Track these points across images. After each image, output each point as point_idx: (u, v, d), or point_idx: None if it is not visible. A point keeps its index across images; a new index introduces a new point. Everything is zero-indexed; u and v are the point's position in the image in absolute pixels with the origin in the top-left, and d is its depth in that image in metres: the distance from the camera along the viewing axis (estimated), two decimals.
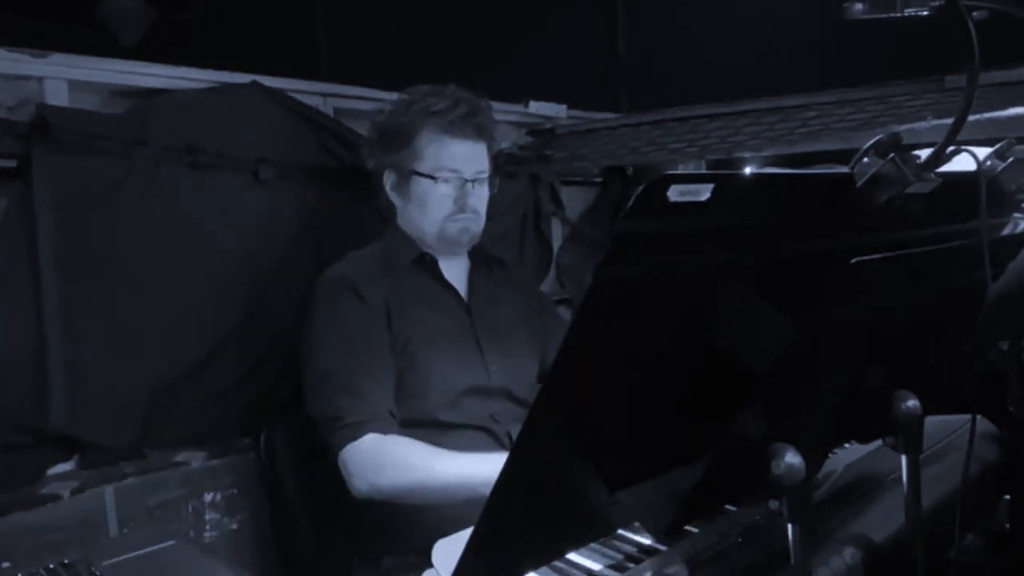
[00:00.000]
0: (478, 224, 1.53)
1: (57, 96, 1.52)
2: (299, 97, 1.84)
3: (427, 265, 1.52)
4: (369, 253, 1.54)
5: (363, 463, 1.32)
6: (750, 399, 0.74)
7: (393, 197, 1.55)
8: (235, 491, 1.68)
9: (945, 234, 0.89)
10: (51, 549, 1.38)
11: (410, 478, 1.31)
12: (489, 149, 1.55)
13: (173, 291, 1.62)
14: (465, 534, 0.66)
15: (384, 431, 1.34)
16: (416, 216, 1.52)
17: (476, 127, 1.50)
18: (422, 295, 1.50)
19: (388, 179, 1.54)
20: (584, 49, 3.26)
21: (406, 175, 1.51)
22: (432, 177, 1.48)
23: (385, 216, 1.60)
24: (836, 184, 0.76)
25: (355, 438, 1.32)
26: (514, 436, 1.43)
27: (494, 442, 1.44)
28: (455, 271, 1.56)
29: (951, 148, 0.78)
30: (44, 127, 1.44)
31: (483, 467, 1.25)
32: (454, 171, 1.49)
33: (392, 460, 1.32)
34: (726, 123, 2.03)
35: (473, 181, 1.50)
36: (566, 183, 2.59)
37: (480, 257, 1.61)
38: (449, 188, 1.49)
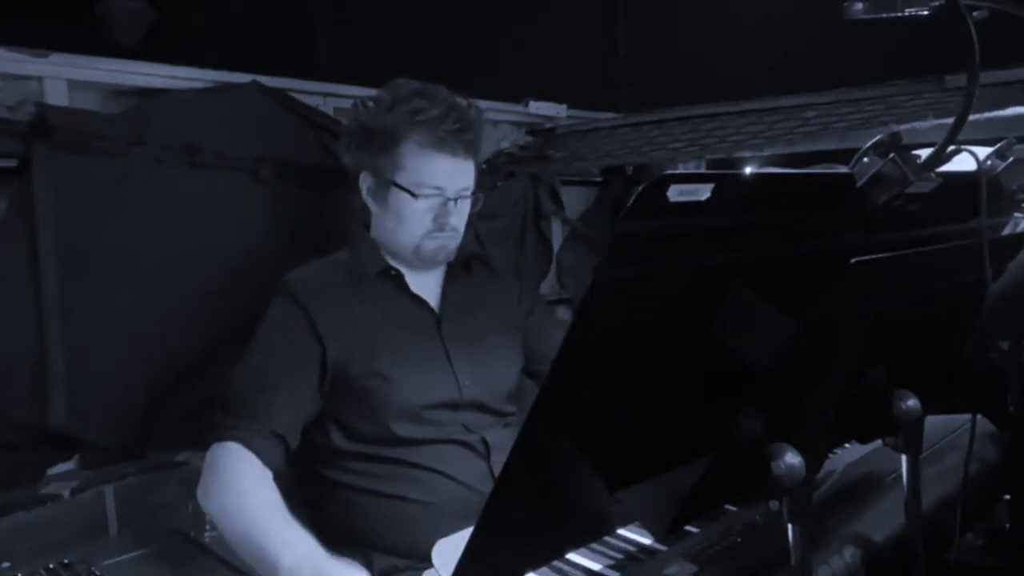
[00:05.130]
0: (456, 241, 1.45)
1: (57, 96, 1.53)
2: (299, 97, 1.84)
3: (393, 278, 1.44)
4: (335, 260, 1.47)
5: (206, 467, 1.25)
6: (750, 399, 0.74)
7: (369, 202, 1.45)
8: None
9: (945, 234, 0.89)
10: (51, 549, 1.39)
11: (213, 505, 1.22)
12: (476, 164, 1.46)
13: (173, 291, 1.63)
14: (465, 534, 0.66)
15: (252, 446, 1.24)
16: (392, 228, 1.42)
17: (465, 143, 1.39)
18: (387, 309, 1.41)
19: (365, 182, 1.44)
20: (584, 49, 3.26)
21: (384, 183, 1.41)
22: (412, 193, 1.38)
23: (360, 217, 1.51)
24: (836, 184, 0.76)
25: (221, 439, 1.25)
26: (489, 441, 1.39)
27: (469, 452, 1.39)
28: (427, 280, 1.48)
29: (951, 148, 0.78)
30: (44, 127, 1.45)
31: (274, 544, 1.12)
32: (436, 188, 1.39)
33: (220, 477, 1.23)
34: (726, 123, 2.03)
35: (456, 199, 1.41)
36: (566, 183, 2.59)
37: (456, 260, 1.51)
38: (429, 204, 1.39)
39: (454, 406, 1.40)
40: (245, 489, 1.21)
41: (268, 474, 1.25)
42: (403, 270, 1.45)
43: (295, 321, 1.35)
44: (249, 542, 1.14)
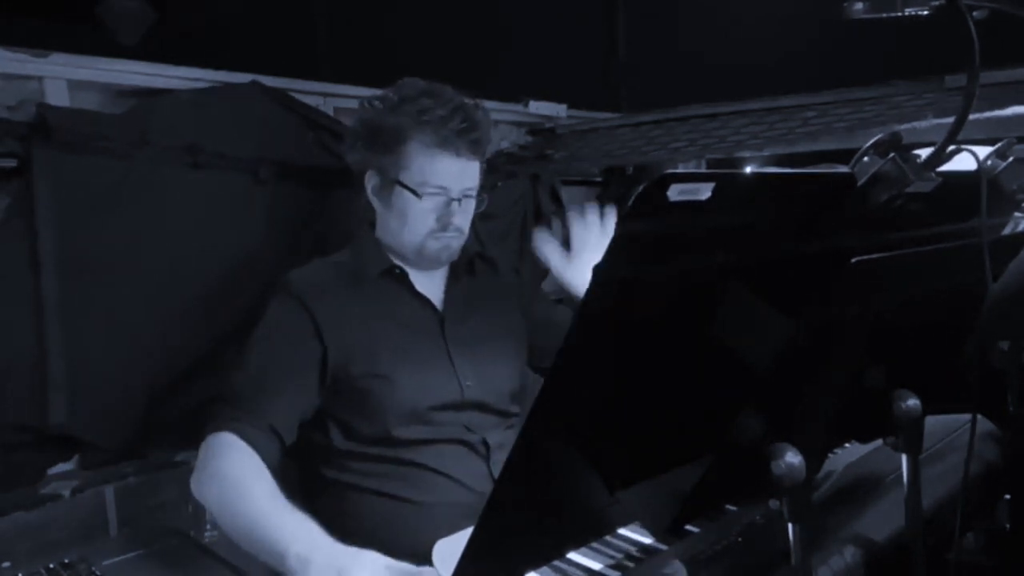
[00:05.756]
0: (460, 241, 1.45)
1: (57, 96, 1.53)
2: (299, 97, 1.84)
3: (397, 277, 1.44)
4: (336, 261, 1.47)
5: (201, 457, 1.23)
6: (750, 399, 0.74)
7: (374, 201, 1.44)
8: None
9: (945, 234, 0.89)
10: (51, 549, 1.39)
11: (212, 497, 1.19)
12: (482, 164, 1.46)
13: (173, 291, 1.62)
14: (465, 534, 0.66)
15: (248, 438, 1.23)
16: (396, 227, 1.42)
17: (471, 143, 1.39)
18: (391, 309, 1.41)
19: (370, 180, 1.43)
20: (584, 49, 3.26)
21: (389, 182, 1.40)
22: (416, 193, 1.38)
23: (364, 217, 1.51)
24: (836, 184, 0.76)
25: (216, 430, 1.24)
26: (489, 441, 1.39)
27: (470, 451, 1.39)
28: (431, 279, 1.48)
29: (951, 147, 0.78)
30: (44, 127, 1.45)
31: (281, 533, 1.09)
32: (441, 188, 1.38)
33: (214, 467, 1.21)
34: (726, 123, 2.03)
35: (460, 199, 1.41)
36: (566, 183, 2.59)
37: (459, 260, 1.52)
38: (433, 204, 1.39)
39: (456, 407, 1.40)
40: (244, 480, 1.19)
41: (264, 466, 1.23)
42: (407, 269, 1.45)
43: (296, 319, 1.35)
44: (253, 533, 1.12)
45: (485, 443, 1.40)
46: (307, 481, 1.40)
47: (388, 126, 1.39)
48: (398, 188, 1.39)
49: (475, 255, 1.58)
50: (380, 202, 1.45)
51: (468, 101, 1.41)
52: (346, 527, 1.34)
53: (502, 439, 1.42)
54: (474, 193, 1.45)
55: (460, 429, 1.39)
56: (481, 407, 1.42)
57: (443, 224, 1.40)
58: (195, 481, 1.22)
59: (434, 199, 1.39)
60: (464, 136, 1.38)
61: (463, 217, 1.43)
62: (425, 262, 1.44)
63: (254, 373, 1.31)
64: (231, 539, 1.16)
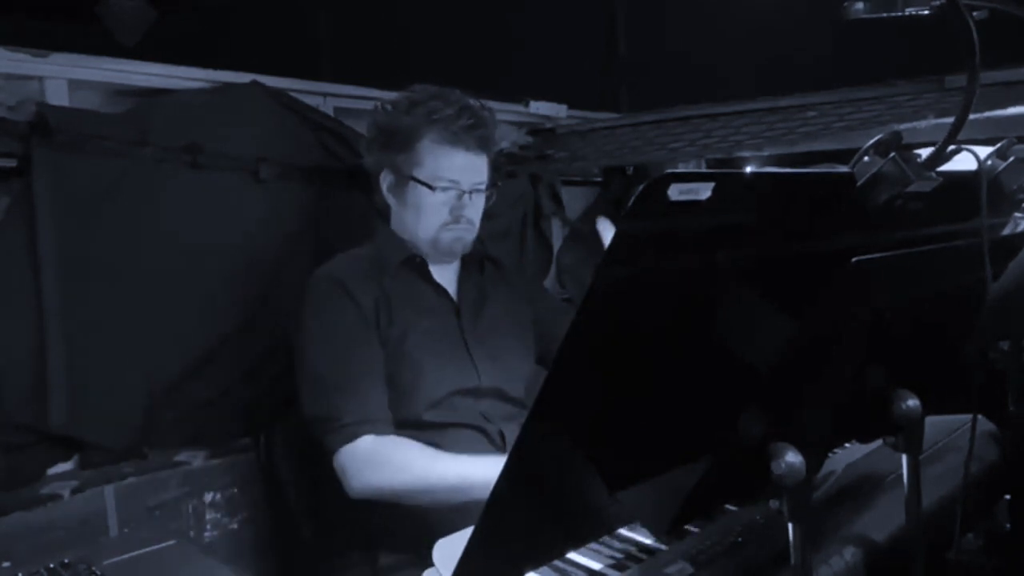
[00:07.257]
0: (471, 234, 1.52)
1: (57, 96, 1.52)
2: (299, 97, 1.84)
3: (417, 267, 1.51)
4: (359, 254, 1.53)
5: (360, 464, 1.32)
6: (751, 398, 0.74)
7: (389, 198, 1.53)
8: (235, 491, 1.68)
9: (945, 234, 0.89)
10: (51, 549, 1.39)
11: (408, 479, 1.31)
12: (489, 160, 1.54)
13: (173, 291, 1.62)
14: (465, 534, 0.66)
15: (380, 432, 1.34)
16: (411, 221, 1.51)
17: (479, 139, 1.48)
18: (412, 297, 1.48)
19: (385, 179, 1.52)
20: (584, 49, 3.26)
21: (404, 179, 1.49)
22: (430, 186, 1.46)
23: (380, 215, 1.59)
24: (836, 184, 0.76)
25: (351, 439, 1.32)
26: (506, 434, 1.45)
27: (486, 440, 1.44)
28: (445, 272, 1.56)
29: (951, 147, 0.78)
30: (44, 127, 1.44)
31: (483, 468, 1.24)
32: (453, 181, 1.47)
33: (390, 461, 1.32)
34: (726, 123, 2.03)
35: (471, 192, 1.49)
36: (566, 183, 2.59)
37: (471, 257, 1.60)
38: (446, 197, 1.47)
39: (474, 393, 1.45)
40: (413, 461, 1.32)
41: (410, 440, 1.35)
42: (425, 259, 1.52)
43: (353, 310, 1.41)
44: (459, 485, 1.26)
45: (502, 435, 1.45)
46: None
47: (402, 127, 1.48)
48: (412, 183, 1.48)
49: (485, 257, 1.65)
50: (395, 199, 1.52)
51: (474, 102, 1.50)
52: (355, 524, 1.37)
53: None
54: (483, 187, 1.53)
55: (478, 417, 1.44)
56: (498, 394, 1.48)
57: (455, 216, 1.48)
58: (362, 484, 1.32)
59: (446, 192, 1.47)
60: (472, 132, 1.46)
61: (474, 210, 1.51)
62: (439, 254, 1.51)
63: (340, 378, 1.36)
64: (433, 503, 1.30)
